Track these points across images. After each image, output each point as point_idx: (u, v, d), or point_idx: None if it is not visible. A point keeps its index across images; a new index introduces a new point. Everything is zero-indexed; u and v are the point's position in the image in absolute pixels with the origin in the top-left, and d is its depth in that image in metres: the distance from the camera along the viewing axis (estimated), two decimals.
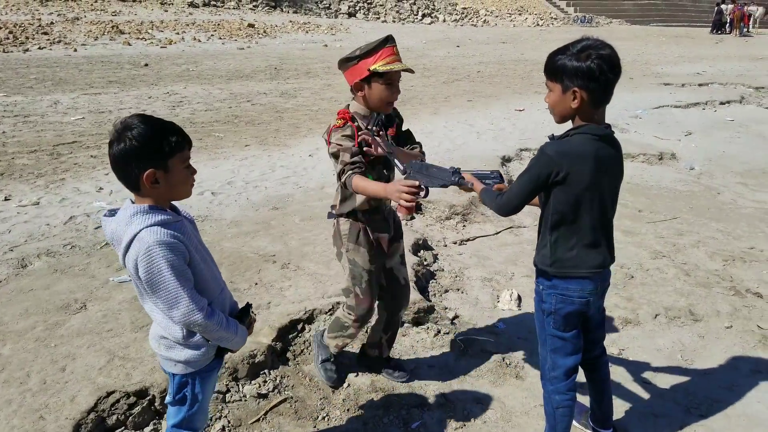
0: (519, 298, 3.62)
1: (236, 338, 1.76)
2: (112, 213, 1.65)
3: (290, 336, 3.04)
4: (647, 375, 2.93)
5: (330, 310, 3.23)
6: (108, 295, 3.36)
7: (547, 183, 1.91)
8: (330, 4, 26.33)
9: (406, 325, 3.25)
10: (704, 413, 2.67)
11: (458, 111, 8.86)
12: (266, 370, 2.81)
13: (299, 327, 3.10)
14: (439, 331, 3.22)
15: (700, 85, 11.68)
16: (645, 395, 2.78)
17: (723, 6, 26.00)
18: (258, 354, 2.81)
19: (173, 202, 1.72)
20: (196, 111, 8.38)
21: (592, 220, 1.97)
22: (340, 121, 2.26)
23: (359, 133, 2.24)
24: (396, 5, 26.97)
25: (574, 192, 1.90)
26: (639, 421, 2.59)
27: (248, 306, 1.93)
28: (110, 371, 2.66)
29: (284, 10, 25.14)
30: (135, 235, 1.54)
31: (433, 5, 28.16)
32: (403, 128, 2.50)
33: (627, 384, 2.85)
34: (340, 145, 2.21)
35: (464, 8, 28.82)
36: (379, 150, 2.24)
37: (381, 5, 26.72)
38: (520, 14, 29.65)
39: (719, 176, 6.18)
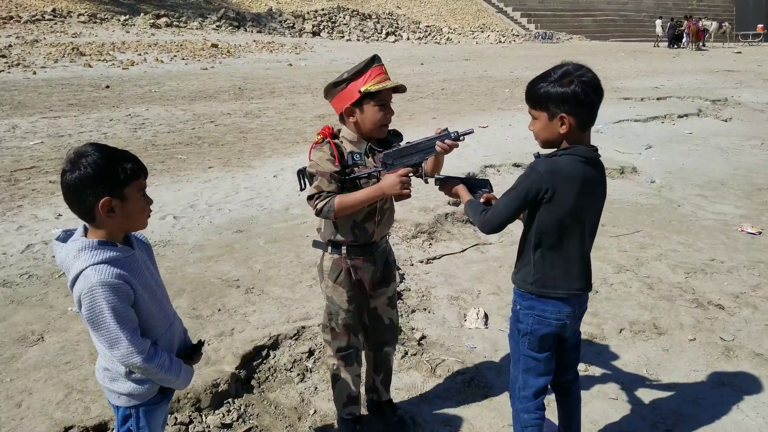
0: (486, 316, 3.61)
1: (178, 380, 1.70)
2: (67, 234, 1.60)
3: (254, 363, 2.97)
4: (613, 391, 2.95)
5: (295, 334, 3.17)
6: (66, 326, 3.24)
7: (535, 200, 1.89)
8: (294, 24, 26.42)
9: None
10: (670, 428, 2.68)
11: (423, 129, 8.90)
12: (230, 399, 2.73)
13: (264, 353, 3.03)
14: (406, 353, 3.19)
15: (658, 98, 11.99)
16: (611, 411, 2.78)
17: (658, 20, 27.04)
18: (221, 383, 2.73)
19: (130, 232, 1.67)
20: (158, 133, 8.24)
21: (576, 242, 1.97)
22: (318, 137, 2.15)
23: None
24: (360, 24, 27.22)
25: (560, 212, 1.90)
26: None
27: (200, 344, 1.87)
28: (68, 405, 2.55)
29: (248, 29, 25.10)
30: (80, 272, 1.50)
31: (397, 24, 28.52)
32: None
33: (593, 400, 2.85)
34: (319, 165, 2.11)
35: (427, 26, 29.26)
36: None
37: (345, 24, 26.93)
38: (482, 32, 30.24)
39: (679, 189, 6.33)
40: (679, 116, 10.14)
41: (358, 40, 25.89)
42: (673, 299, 3.85)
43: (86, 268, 1.50)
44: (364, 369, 2.62)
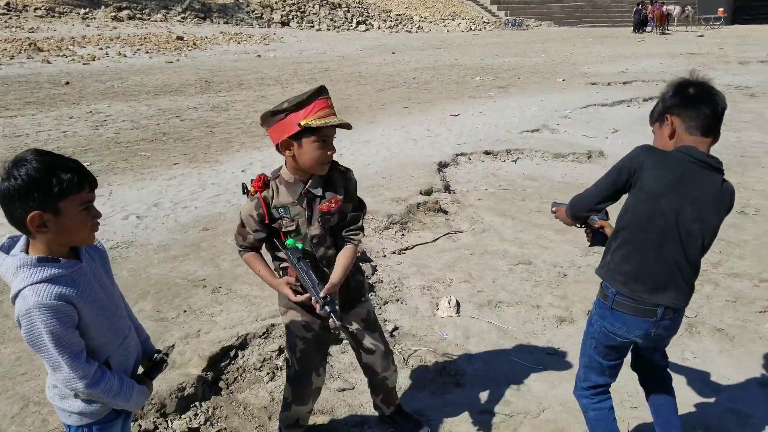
0: (458, 304, 3.61)
1: (129, 404, 1.61)
2: (12, 242, 1.51)
3: (222, 364, 2.91)
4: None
5: (264, 333, 3.12)
6: (21, 336, 3.12)
7: (628, 181, 1.80)
8: (262, 14, 26.01)
9: (344, 341, 3.17)
10: (636, 405, 2.72)
11: (395, 118, 8.87)
12: (197, 403, 2.66)
13: (232, 354, 2.97)
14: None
15: (624, 83, 12.10)
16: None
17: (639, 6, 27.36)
18: (187, 386, 2.67)
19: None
20: (121, 130, 8.03)
21: (658, 242, 1.81)
22: (252, 188, 2.03)
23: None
24: (330, 13, 26.94)
25: (641, 197, 1.79)
26: (575, 419, 2.60)
27: (161, 361, 1.79)
28: (24, 419, 2.46)
29: (214, 21, 24.65)
30: (19, 292, 1.42)
31: (367, 12, 28.30)
32: (353, 202, 2.10)
33: (562, 383, 2.87)
34: (244, 217, 2.04)
35: (398, 15, 29.11)
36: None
37: (314, 13, 26.62)
38: (453, 19, 30.21)
39: None
40: (645, 99, 10.24)
41: (329, 29, 25.63)
42: None
43: (24, 288, 1.41)
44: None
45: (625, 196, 1.91)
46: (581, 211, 1.95)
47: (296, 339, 2.19)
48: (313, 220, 2.03)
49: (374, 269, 4.03)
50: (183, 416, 2.58)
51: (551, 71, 14.09)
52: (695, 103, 1.81)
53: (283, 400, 2.37)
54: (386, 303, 3.63)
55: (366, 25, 26.85)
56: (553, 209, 2.20)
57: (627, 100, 10.25)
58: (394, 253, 4.34)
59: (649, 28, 27.52)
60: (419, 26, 27.93)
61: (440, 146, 7.15)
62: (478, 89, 11.55)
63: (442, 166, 6.39)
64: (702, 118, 1.80)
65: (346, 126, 1.95)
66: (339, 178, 2.06)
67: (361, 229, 2.12)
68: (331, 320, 1.86)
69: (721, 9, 34.11)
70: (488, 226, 4.85)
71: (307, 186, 2.00)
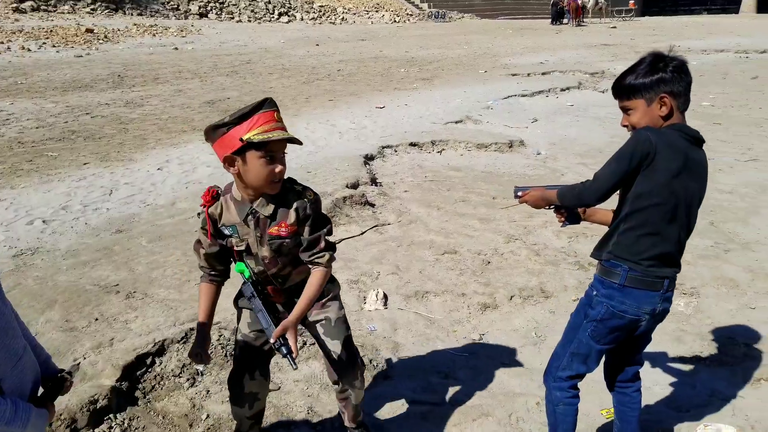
0: (385, 297, 3.60)
1: (27, 430, 1.47)
2: None
3: (138, 373, 2.76)
4: (506, 356, 3.05)
5: (183, 338, 2.99)
6: None
7: (640, 164, 1.79)
8: (178, 5, 24.98)
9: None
10: None
11: (320, 111, 8.77)
12: (111, 415, 2.52)
13: (148, 361, 2.83)
14: (305, 343, 3.11)
15: (543, 73, 12.46)
16: (504, 377, 2.88)
17: None
18: (99, 398, 2.52)
19: None
20: (25, 129, 7.48)
21: (668, 219, 1.86)
22: (201, 201, 1.95)
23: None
24: (250, 4, 26.25)
25: (659, 180, 1.81)
26: (499, 403, 2.67)
27: (62, 380, 1.66)
28: None
29: (127, 12, 23.44)
30: None
31: (290, 4, 27.79)
32: (309, 225, 1.92)
33: (487, 368, 2.93)
34: (198, 238, 2.00)
35: (321, 6, 28.78)
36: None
37: (234, 4, 25.84)
38: (377, 11, 30.22)
39: (562, 158, 6.66)
40: (562, 89, 10.66)
41: (249, 21, 24.96)
42: (557, 263, 4.04)
43: None
44: None
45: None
46: (593, 199, 1.92)
47: (237, 342, 2.14)
48: (263, 241, 1.91)
49: None
50: (96, 430, 2.43)
51: (474, 63, 14.37)
52: (684, 81, 1.86)
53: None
54: None
55: (288, 16, 26.37)
56: (519, 194, 2.20)
57: (546, 91, 10.57)
58: None
59: (565, 21, 28.61)
60: (343, 18, 27.74)
61: (366, 139, 7.14)
62: (403, 81, 11.61)
63: (369, 158, 6.38)
64: (687, 93, 1.88)
65: (296, 141, 1.83)
66: (293, 199, 1.90)
67: (328, 248, 1.96)
68: (285, 358, 1.83)
69: (632, 1, 35.98)
70: (415, 218, 4.88)
71: (253, 206, 1.88)
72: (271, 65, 13.62)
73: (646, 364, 2.94)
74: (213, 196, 1.92)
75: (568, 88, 10.82)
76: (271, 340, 1.81)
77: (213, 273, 2.05)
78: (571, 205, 2.07)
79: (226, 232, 1.93)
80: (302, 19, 26.30)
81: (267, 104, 1.78)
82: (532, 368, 2.95)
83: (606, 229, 2.02)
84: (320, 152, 6.52)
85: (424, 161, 6.51)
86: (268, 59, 14.64)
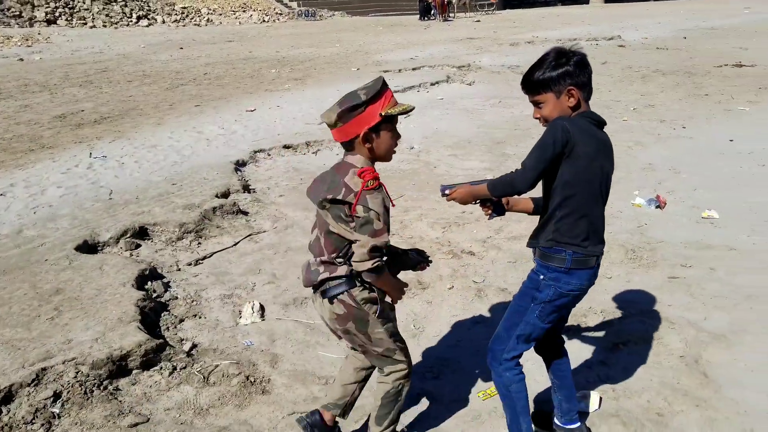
0: (262, 308, 3.49)
1: None
2: None
3: None
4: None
5: (34, 380, 2.69)
6: None
7: (563, 151, 1.92)
8: (21, 12, 22.66)
9: (134, 371, 2.88)
10: (437, 374, 2.88)
11: (186, 118, 8.35)
12: None
13: None
14: (175, 368, 2.92)
15: (413, 69, 12.68)
16: (449, 384, 2.86)
17: None
18: None
19: None
20: None
21: (595, 200, 2.02)
22: (372, 182, 1.93)
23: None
24: (105, 8, 24.42)
25: (581, 166, 1.95)
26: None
27: None
28: None
29: None
30: None
31: (149, 6, 26.22)
32: None
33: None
34: (381, 217, 1.93)
35: (184, 8, 27.46)
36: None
37: (86, 9, 23.91)
38: (244, 11, 29.40)
39: (434, 151, 6.85)
40: (432, 84, 10.96)
41: (105, 26, 23.20)
42: (432, 254, 4.12)
43: None
44: None
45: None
46: (526, 185, 1.99)
47: (389, 324, 2.17)
48: None
49: (166, 286, 3.73)
50: None
51: (346, 61, 14.42)
52: (586, 73, 2.01)
53: (393, 394, 2.24)
54: (182, 321, 3.38)
55: (148, 19, 24.87)
56: (447, 192, 2.24)
57: (417, 86, 10.77)
58: (189, 264, 4.07)
59: (433, 16, 29.63)
60: (209, 19, 26.67)
61: (237, 144, 6.90)
62: (275, 82, 11.39)
63: (240, 165, 6.17)
64: (589, 85, 2.03)
65: (412, 110, 2.01)
66: None
67: None
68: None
69: None
70: (291, 222, 4.79)
71: None
72: (130, 72, 12.77)
73: None
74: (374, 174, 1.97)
75: (437, 82, 11.14)
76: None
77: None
78: (503, 195, 2.17)
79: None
80: (164, 22, 24.95)
81: (385, 82, 1.98)
82: (412, 359, 2.98)
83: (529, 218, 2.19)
84: (186, 162, 6.20)
85: (300, 163, 6.42)
86: (126, 66, 13.70)
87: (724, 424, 2.46)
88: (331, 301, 2.05)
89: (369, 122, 1.93)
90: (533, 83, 2.04)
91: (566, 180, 1.98)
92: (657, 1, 41.60)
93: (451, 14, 30.71)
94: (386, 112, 1.93)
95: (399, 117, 2.00)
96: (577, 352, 2.99)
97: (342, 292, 2.03)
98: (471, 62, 13.26)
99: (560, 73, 1.98)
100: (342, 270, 2.02)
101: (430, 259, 2.36)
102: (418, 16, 30.01)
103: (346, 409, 2.37)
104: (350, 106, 1.92)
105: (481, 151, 6.60)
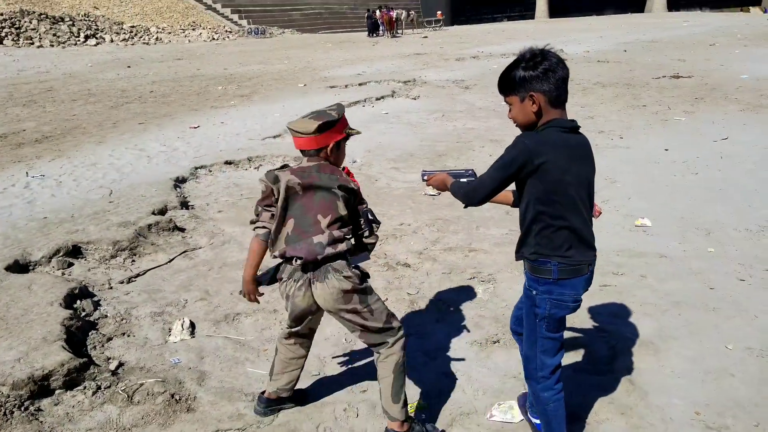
0: (192, 325, 3.46)
1: None
2: None
3: None
4: (315, 366, 3.07)
5: None
6: None
7: (521, 172, 1.90)
8: None
9: (57, 391, 2.80)
10: (366, 388, 2.89)
11: (128, 136, 8.20)
12: None
13: None
14: (99, 387, 2.86)
15: (360, 84, 12.81)
16: (315, 386, 2.89)
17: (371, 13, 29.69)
18: None
19: None
20: None
21: (575, 209, 1.97)
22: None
23: None
24: (52, 28, 23.80)
25: (553, 179, 1.91)
26: (306, 416, 2.68)
27: None
28: None
29: None
30: None
31: (96, 26, 25.70)
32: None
33: (298, 382, 2.93)
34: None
35: (133, 27, 27.04)
36: None
37: (33, 29, 23.25)
38: (194, 30, 29.15)
39: (376, 165, 6.91)
40: (377, 98, 11.08)
41: (52, 45, 22.58)
42: (368, 267, 4.18)
43: None
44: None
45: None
46: (476, 201, 2.06)
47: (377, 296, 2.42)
48: None
49: (96, 305, 3.65)
50: None
51: (293, 77, 14.45)
52: (552, 76, 1.93)
53: (402, 368, 2.41)
54: (110, 339, 3.31)
55: (97, 38, 24.37)
56: (425, 177, 2.41)
57: (362, 101, 10.88)
58: (122, 282, 3.99)
59: (381, 32, 30.02)
60: (157, 38, 26.32)
61: (178, 161, 6.82)
62: (221, 99, 11.31)
63: (180, 181, 6.10)
64: (559, 89, 1.95)
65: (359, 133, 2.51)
66: None
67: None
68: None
69: (439, 12, 38.87)
70: (229, 238, 4.76)
71: None
72: (75, 91, 12.48)
73: (450, 352, 3.16)
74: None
75: (383, 97, 11.27)
76: None
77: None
78: (460, 201, 2.22)
79: None
80: (112, 41, 24.50)
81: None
82: (340, 374, 3.01)
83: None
84: (125, 179, 6.09)
85: (241, 179, 6.39)
86: (72, 85, 13.39)
87: (649, 431, 2.50)
88: (339, 279, 2.26)
89: (337, 136, 2.32)
90: (502, 85, 2.04)
91: (537, 196, 1.95)
92: (600, 15, 43.36)
93: (399, 31, 31.18)
94: (347, 131, 2.37)
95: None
96: (505, 361, 3.05)
97: (352, 266, 2.32)
98: (416, 77, 13.47)
99: (523, 77, 1.95)
100: (344, 246, 2.29)
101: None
102: (366, 32, 30.36)
103: (294, 393, 2.69)
104: (328, 121, 2.28)
105: (423, 164, 6.71)
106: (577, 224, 1.99)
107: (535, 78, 1.94)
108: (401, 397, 2.40)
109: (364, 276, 2.37)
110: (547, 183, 1.93)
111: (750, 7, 46.36)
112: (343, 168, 2.40)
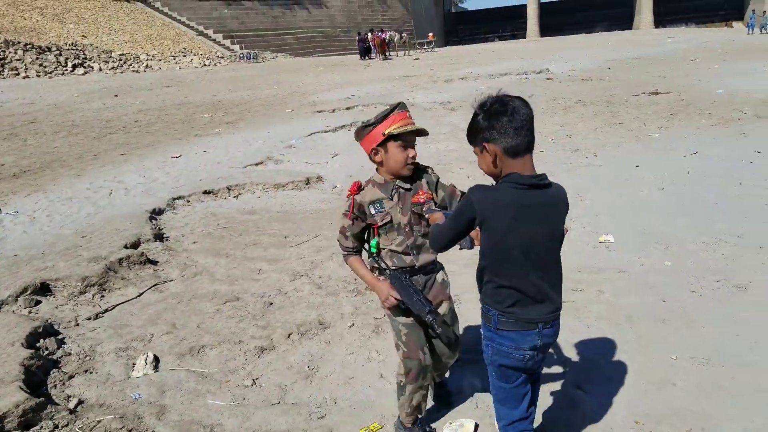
0: (156, 359, 3.46)
1: None
2: None
3: None
4: (275, 395, 3.08)
5: None
6: None
7: (472, 224, 1.90)
8: None
9: None
10: (323, 414, 2.91)
11: (108, 168, 8.26)
12: None
13: None
14: (56, 426, 2.86)
15: (348, 108, 12.83)
16: (273, 417, 2.89)
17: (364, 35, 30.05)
18: None
19: None
20: None
21: (519, 269, 1.87)
22: (348, 193, 2.43)
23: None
24: (38, 58, 24.02)
25: (494, 238, 1.86)
26: None
27: None
28: None
29: None
30: None
31: (84, 54, 25.94)
32: (440, 187, 2.48)
33: (257, 411, 2.94)
34: (340, 219, 2.47)
35: (122, 54, 27.28)
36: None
37: (18, 60, 23.46)
38: (185, 56, 29.42)
39: None
40: (363, 123, 11.15)
41: (39, 75, 22.77)
42: (337, 293, 4.21)
43: None
44: None
45: None
46: (437, 249, 2.17)
47: (399, 325, 2.48)
48: (405, 210, 2.38)
49: (60, 342, 3.66)
50: None
51: (282, 102, 14.57)
52: (508, 125, 1.81)
53: (397, 387, 2.59)
54: (72, 377, 3.31)
55: (84, 68, 24.57)
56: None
57: (348, 125, 10.92)
58: (89, 318, 4.00)
59: (373, 55, 30.34)
60: (147, 65, 26.55)
61: (156, 192, 6.86)
62: (206, 126, 11.40)
63: (157, 213, 6.13)
64: (517, 138, 1.81)
65: (424, 132, 2.38)
66: (420, 175, 2.45)
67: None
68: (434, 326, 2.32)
69: (431, 33, 39.33)
70: (201, 269, 4.78)
71: (396, 183, 2.39)
72: (58, 123, 12.56)
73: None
74: (358, 186, 2.41)
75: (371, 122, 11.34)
76: (428, 318, 2.30)
77: (356, 248, 2.50)
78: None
79: (373, 211, 2.39)
80: (101, 70, 24.70)
81: (400, 106, 2.35)
82: (299, 402, 3.02)
83: None
84: (101, 213, 6.12)
85: (219, 208, 6.43)
86: (56, 116, 13.49)
87: None
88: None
89: (375, 140, 2.32)
90: (467, 134, 1.98)
91: (483, 250, 1.93)
92: (589, 33, 43.94)
93: (392, 53, 31.53)
94: (389, 132, 2.29)
95: (416, 137, 2.37)
96: (458, 380, 3.08)
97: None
98: (405, 99, 13.57)
99: (477, 128, 1.89)
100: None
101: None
102: (358, 55, 30.69)
103: None
104: (362, 126, 2.37)
105: None
106: (521, 285, 1.89)
107: (487, 128, 1.84)
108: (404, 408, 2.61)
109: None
110: (490, 242, 1.88)
111: (733, 22, 47.23)
112: (356, 183, 2.43)
